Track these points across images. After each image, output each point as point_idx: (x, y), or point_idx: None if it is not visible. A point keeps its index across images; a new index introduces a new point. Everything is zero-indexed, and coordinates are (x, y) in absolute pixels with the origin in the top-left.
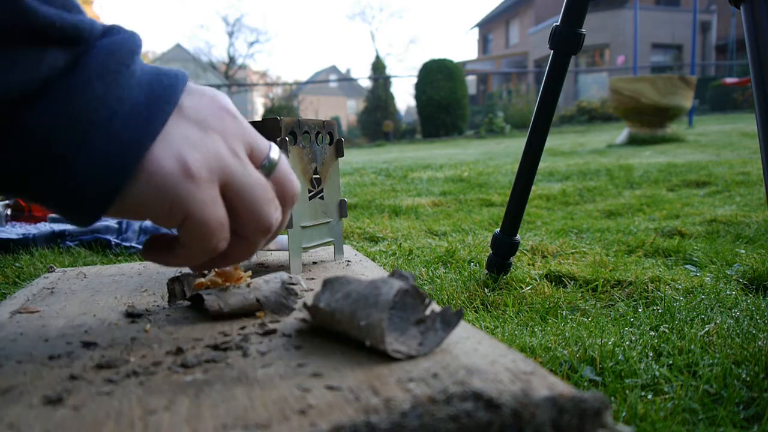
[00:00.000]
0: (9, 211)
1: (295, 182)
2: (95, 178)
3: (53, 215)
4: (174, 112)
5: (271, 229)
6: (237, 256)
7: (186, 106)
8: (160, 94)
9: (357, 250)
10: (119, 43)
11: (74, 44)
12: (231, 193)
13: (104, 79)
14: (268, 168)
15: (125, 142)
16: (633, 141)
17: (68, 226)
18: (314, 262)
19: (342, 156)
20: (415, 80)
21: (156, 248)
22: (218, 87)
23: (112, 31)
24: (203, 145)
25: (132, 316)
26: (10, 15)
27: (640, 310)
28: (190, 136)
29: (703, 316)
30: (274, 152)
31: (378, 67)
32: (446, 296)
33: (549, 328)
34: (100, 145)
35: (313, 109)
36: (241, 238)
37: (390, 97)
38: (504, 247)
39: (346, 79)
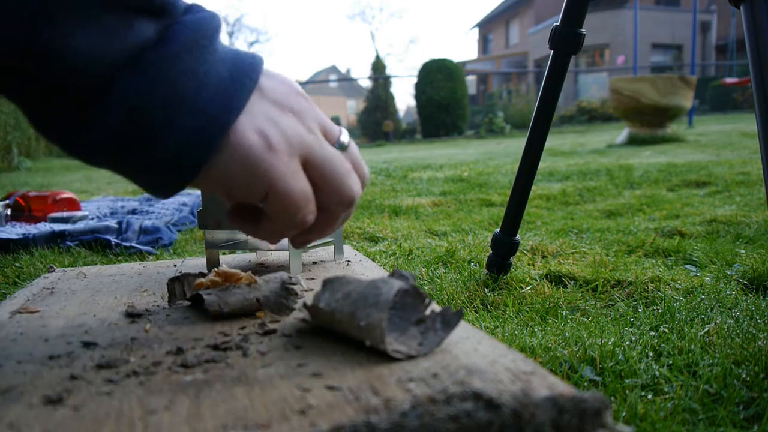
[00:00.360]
0: (9, 211)
1: (365, 166)
2: (184, 148)
3: (53, 215)
4: (254, 90)
5: (354, 200)
6: (319, 230)
7: (264, 86)
8: (242, 70)
9: (357, 250)
10: (203, 21)
11: (161, 15)
12: (311, 167)
13: (192, 53)
14: (339, 149)
15: (212, 114)
16: (633, 141)
17: (68, 226)
18: (314, 262)
19: None
20: (415, 80)
21: (242, 216)
22: None
23: (194, 8)
24: (282, 121)
25: (132, 316)
26: None
27: (640, 310)
28: (269, 113)
29: (703, 316)
30: (345, 136)
31: (378, 67)
32: (446, 296)
33: (549, 328)
34: (188, 116)
35: None
36: (323, 212)
37: (390, 97)
38: (504, 247)
39: (346, 79)
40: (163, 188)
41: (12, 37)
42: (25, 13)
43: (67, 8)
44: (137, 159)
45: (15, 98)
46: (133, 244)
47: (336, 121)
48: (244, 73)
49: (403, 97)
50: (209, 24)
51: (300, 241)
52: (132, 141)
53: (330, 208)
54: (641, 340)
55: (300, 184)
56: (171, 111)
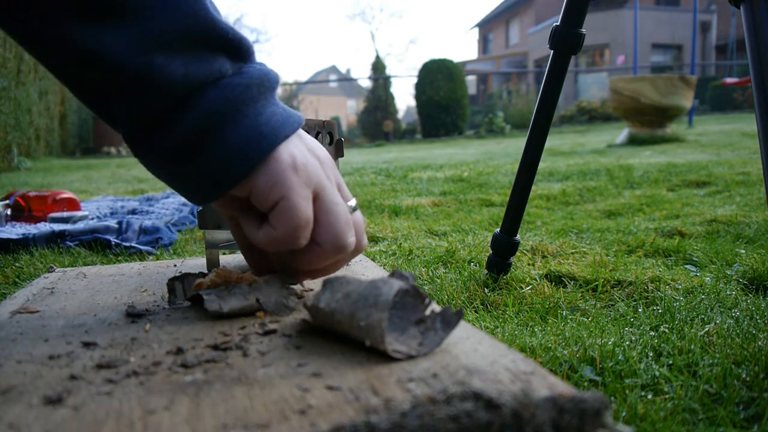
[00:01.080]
0: (9, 211)
1: (365, 238)
2: (239, 153)
3: (53, 215)
4: (297, 132)
5: (345, 247)
6: (307, 264)
7: (303, 135)
8: (290, 115)
9: None
10: (270, 71)
11: (239, 57)
12: (319, 203)
13: (258, 88)
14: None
15: (265, 133)
16: (633, 141)
17: (68, 226)
18: None
19: (342, 156)
20: (415, 80)
21: (248, 215)
22: None
23: (263, 64)
24: (309, 159)
25: (132, 316)
26: (202, 24)
27: (640, 310)
28: (302, 149)
29: (703, 316)
30: (354, 202)
31: (378, 67)
32: (446, 296)
33: (549, 328)
34: (247, 130)
35: (313, 109)
36: (316, 245)
37: (390, 97)
38: (504, 247)
39: (346, 79)
40: (208, 192)
41: (125, 61)
42: (139, 39)
43: (174, 41)
44: (198, 160)
45: (103, 107)
46: (133, 244)
47: (336, 120)
48: (292, 117)
49: (403, 97)
50: (273, 75)
51: (291, 275)
52: (194, 145)
53: (322, 245)
54: (641, 340)
55: (306, 206)
56: (235, 121)
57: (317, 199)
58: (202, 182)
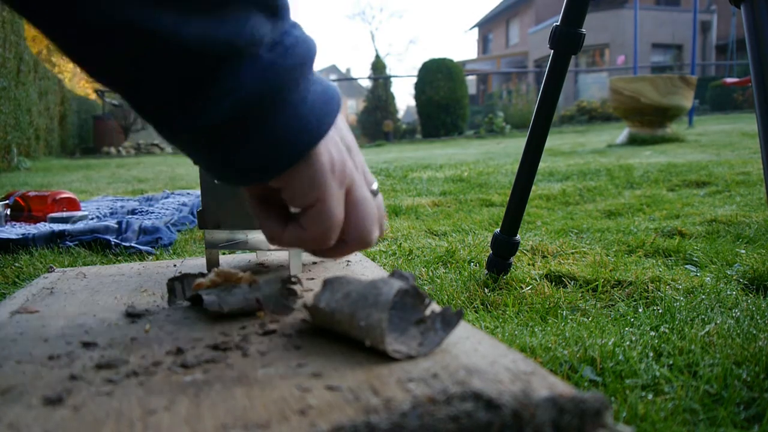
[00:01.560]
0: (8, 211)
1: (386, 216)
2: (279, 148)
3: (53, 215)
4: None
5: (370, 244)
6: (330, 254)
7: (337, 119)
8: (330, 95)
9: None
10: (311, 43)
11: (276, 17)
12: (349, 202)
13: (303, 68)
14: (373, 194)
15: (310, 123)
16: (633, 141)
17: (68, 226)
18: (314, 262)
19: None
20: (415, 80)
21: (271, 215)
22: None
23: (298, 24)
24: (343, 155)
25: (132, 316)
26: None
27: (640, 310)
28: (336, 141)
29: (703, 316)
30: (376, 184)
31: (378, 66)
32: (446, 296)
33: (549, 328)
34: (290, 121)
35: None
36: (341, 242)
37: (390, 97)
38: (504, 247)
39: (346, 79)
40: (241, 179)
41: (129, 18)
42: None
43: None
44: (232, 149)
45: (131, 83)
46: (132, 244)
47: None
48: (333, 99)
49: (403, 97)
50: (314, 47)
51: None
52: (234, 132)
53: (347, 242)
54: (641, 340)
55: (340, 209)
56: (277, 111)
57: (348, 194)
58: (231, 170)
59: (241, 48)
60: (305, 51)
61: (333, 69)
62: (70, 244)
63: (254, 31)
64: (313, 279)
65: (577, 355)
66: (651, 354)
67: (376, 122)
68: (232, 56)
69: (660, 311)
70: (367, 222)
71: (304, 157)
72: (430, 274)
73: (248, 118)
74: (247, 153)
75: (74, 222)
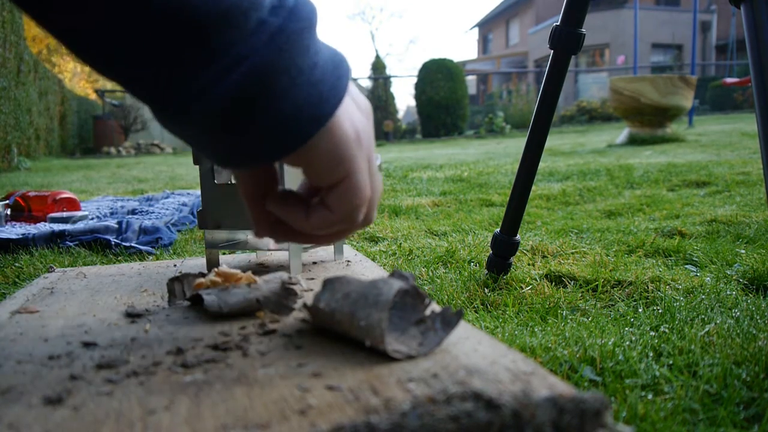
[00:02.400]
0: (9, 211)
1: (375, 212)
2: (296, 119)
3: (53, 215)
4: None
5: (353, 222)
6: (310, 224)
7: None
8: (340, 58)
9: (357, 250)
10: (310, 2)
11: None
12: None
13: (310, 31)
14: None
15: (324, 90)
16: (633, 141)
17: (68, 226)
18: (314, 262)
19: None
20: (415, 80)
21: (288, 204)
22: None
23: None
24: (362, 120)
25: (132, 316)
26: None
27: (640, 310)
28: (353, 109)
29: (703, 316)
30: (379, 159)
31: (378, 67)
32: (446, 296)
33: (549, 328)
34: (305, 89)
35: None
36: (327, 210)
37: (390, 97)
38: (504, 247)
39: None
40: (254, 160)
41: None
42: None
43: None
44: (243, 127)
45: (130, 65)
46: (133, 244)
47: None
48: (342, 62)
49: (403, 97)
50: (314, 6)
51: (285, 236)
52: (245, 106)
53: (334, 211)
54: (641, 340)
55: (368, 183)
56: (291, 81)
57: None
58: (242, 151)
59: (245, 10)
60: (309, 12)
61: None
62: (70, 244)
63: None
64: (313, 279)
65: (577, 355)
66: (651, 354)
67: (376, 122)
68: (237, 20)
69: (660, 311)
70: (376, 200)
71: (325, 127)
72: (430, 274)
73: (261, 89)
74: (261, 129)
75: (74, 222)
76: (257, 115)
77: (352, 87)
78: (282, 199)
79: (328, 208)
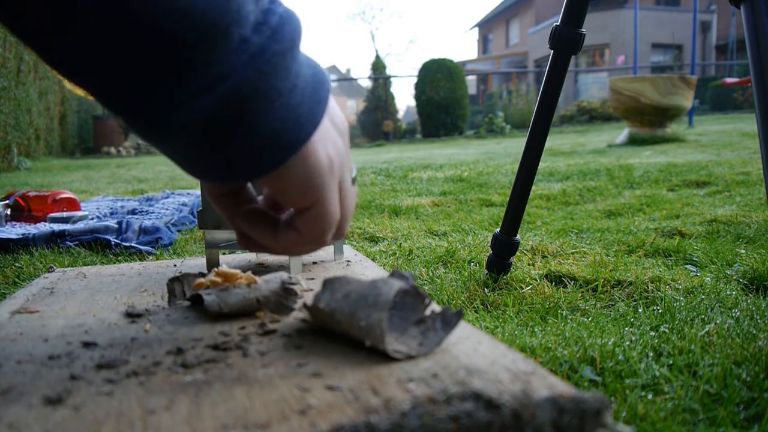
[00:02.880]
0: (9, 211)
1: (347, 229)
2: (270, 142)
3: (53, 215)
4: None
5: (322, 245)
6: (281, 247)
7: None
8: (321, 78)
9: (357, 250)
10: (295, 19)
11: None
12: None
13: (292, 53)
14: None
15: (301, 117)
16: (633, 141)
17: (68, 226)
18: (314, 262)
19: None
20: (415, 80)
21: (258, 223)
22: None
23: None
24: (338, 144)
25: (132, 316)
26: None
27: (640, 310)
28: (330, 132)
29: (703, 316)
30: (354, 171)
31: (378, 67)
32: (446, 296)
33: (549, 328)
34: (280, 112)
35: None
36: (295, 231)
37: (390, 97)
38: (504, 247)
39: (346, 79)
40: (225, 179)
41: None
42: None
43: None
44: (217, 146)
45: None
46: (133, 244)
47: None
48: (323, 82)
49: (403, 97)
50: (299, 24)
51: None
52: (221, 125)
53: (304, 235)
54: (641, 340)
55: (338, 208)
56: (269, 105)
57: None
58: (215, 169)
59: (227, 27)
60: (292, 31)
61: (333, 69)
62: (70, 244)
63: (240, 7)
64: (313, 279)
65: (577, 355)
66: (651, 354)
67: (376, 122)
68: (218, 37)
69: (660, 311)
70: (349, 217)
71: (299, 153)
72: (430, 274)
73: (238, 110)
74: (234, 150)
75: (74, 222)
76: (231, 136)
77: (330, 104)
78: (252, 218)
79: (296, 230)
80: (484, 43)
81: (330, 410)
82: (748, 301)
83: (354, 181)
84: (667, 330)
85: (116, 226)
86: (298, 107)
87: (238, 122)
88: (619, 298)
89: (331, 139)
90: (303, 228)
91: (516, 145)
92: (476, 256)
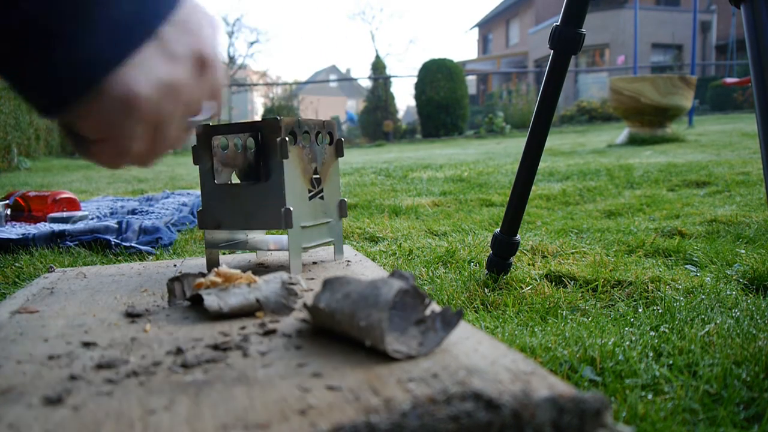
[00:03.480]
0: (9, 211)
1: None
2: (58, 79)
3: (53, 215)
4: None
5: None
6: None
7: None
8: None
9: (357, 250)
10: None
11: None
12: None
13: None
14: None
15: (100, 51)
16: (633, 141)
17: (68, 226)
18: (314, 262)
19: (342, 156)
20: (415, 80)
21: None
22: None
23: None
24: (162, 84)
25: (132, 316)
26: None
27: (640, 310)
28: (156, 64)
29: (703, 316)
30: (210, 112)
31: (378, 67)
32: (446, 296)
33: (549, 328)
34: (73, 44)
35: (313, 109)
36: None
37: (390, 97)
38: (504, 247)
39: (346, 79)
40: (50, 99)
41: None
42: None
43: None
44: (35, 61)
45: None
46: (133, 244)
47: (336, 121)
48: (147, 5)
49: (403, 97)
50: None
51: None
52: (37, 38)
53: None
54: (641, 340)
55: (136, 145)
56: (83, 12)
57: (156, 129)
58: (40, 87)
59: None
60: None
61: (333, 69)
62: (70, 244)
63: None
64: (313, 279)
65: (577, 355)
66: (651, 354)
67: (376, 122)
68: None
69: (660, 311)
70: (165, 151)
71: (93, 92)
72: (430, 274)
73: (46, 27)
74: (30, 82)
75: (74, 222)
76: (22, 66)
77: (178, 25)
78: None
79: (91, 153)
80: (484, 43)
81: (330, 410)
82: (748, 301)
83: (210, 119)
84: (667, 330)
85: (116, 226)
86: (97, 40)
87: (29, 50)
88: (619, 298)
89: (149, 76)
90: (95, 152)
91: (516, 145)
92: (476, 256)
